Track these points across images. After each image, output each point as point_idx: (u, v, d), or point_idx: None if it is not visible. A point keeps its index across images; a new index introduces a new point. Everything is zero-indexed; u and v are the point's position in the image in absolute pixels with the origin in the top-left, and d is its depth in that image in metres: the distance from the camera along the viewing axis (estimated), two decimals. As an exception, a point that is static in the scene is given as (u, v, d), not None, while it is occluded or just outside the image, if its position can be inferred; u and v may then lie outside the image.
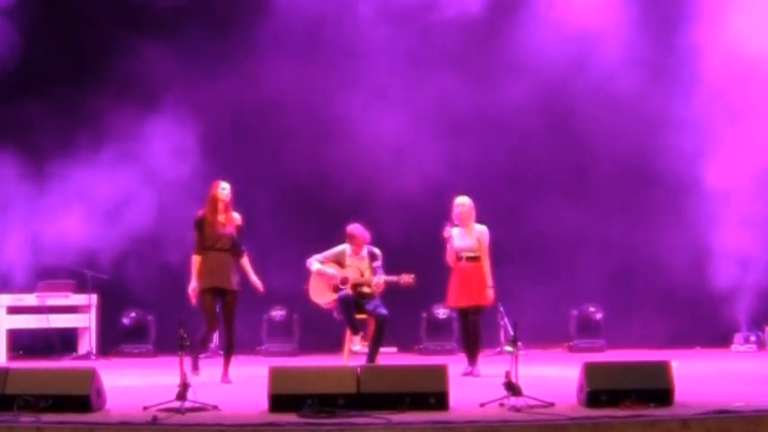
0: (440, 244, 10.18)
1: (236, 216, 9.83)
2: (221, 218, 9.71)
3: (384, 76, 13.13)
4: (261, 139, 13.36)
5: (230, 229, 9.73)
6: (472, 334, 10.07)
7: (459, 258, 10.05)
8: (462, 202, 10.16)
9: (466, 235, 10.08)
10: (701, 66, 12.71)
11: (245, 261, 9.87)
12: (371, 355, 9.89)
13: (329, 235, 10.74)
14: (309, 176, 13.27)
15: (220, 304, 9.78)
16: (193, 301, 9.70)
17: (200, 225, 9.72)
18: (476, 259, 10.04)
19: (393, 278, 9.99)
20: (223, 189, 9.73)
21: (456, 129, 13.26)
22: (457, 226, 10.08)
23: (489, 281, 10.06)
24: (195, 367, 9.61)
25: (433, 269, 10.61)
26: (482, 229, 10.15)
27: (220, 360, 12.21)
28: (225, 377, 9.63)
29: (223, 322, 9.80)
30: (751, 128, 12.76)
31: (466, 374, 9.82)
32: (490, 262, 10.09)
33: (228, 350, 9.81)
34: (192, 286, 9.65)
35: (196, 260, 9.70)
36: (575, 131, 13.19)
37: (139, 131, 12.85)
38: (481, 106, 13.11)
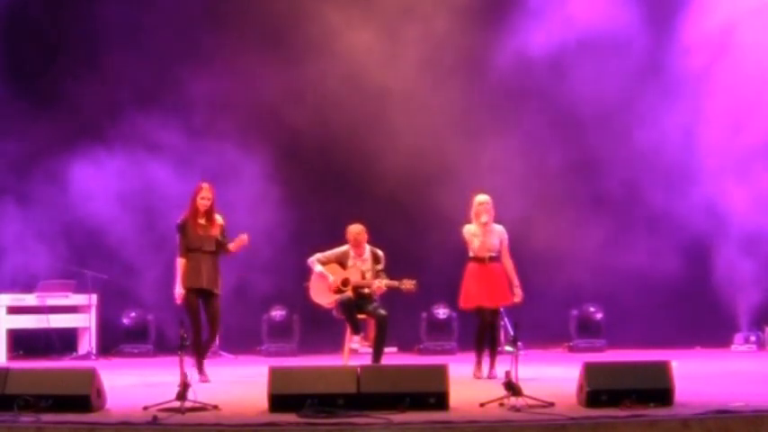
0: (441, 243, 10.15)
1: (218, 218, 9.91)
2: (202, 221, 9.80)
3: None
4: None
5: (213, 232, 9.81)
6: (494, 334, 9.90)
7: (481, 259, 9.86)
8: (487, 199, 9.88)
9: (489, 234, 9.86)
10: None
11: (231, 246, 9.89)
12: (376, 355, 9.83)
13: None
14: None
15: (203, 306, 9.82)
16: (178, 302, 9.79)
17: (182, 229, 9.81)
18: (497, 259, 9.88)
19: (394, 283, 9.90)
20: (202, 198, 9.79)
21: (463, 129, 13.26)
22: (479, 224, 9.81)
23: (516, 280, 9.91)
24: (201, 372, 9.63)
25: (434, 269, 10.61)
26: (502, 229, 9.95)
27: (221, 360, 12.25)
28: (201, 376, 9.64)
29: (207, 325, 9.82)
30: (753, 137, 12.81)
31: (480, 377, 9.71)
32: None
33: (204, 350, 9.89)
34: (179, 291, 9.74)
35: (181, 263, 9.78)
36: (579, 134, 13.18)
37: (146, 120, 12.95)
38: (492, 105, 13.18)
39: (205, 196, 9.79)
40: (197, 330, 9.73)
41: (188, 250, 9.76)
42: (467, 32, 13.19)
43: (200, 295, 9.76)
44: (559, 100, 13.12)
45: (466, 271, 9.92)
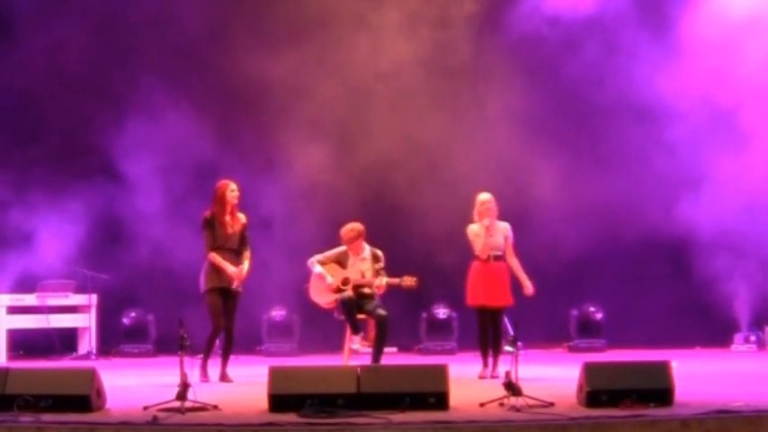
0: (440, 243, 10.14)
1: (242, 216, 9.88)
2: (228, 218, 9.75)
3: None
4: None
5: (237, 229, 9.78)
6: (497, 334, 9.86)
7: (484, 258, 9.84)
8: (489, 198, 9.83)
9: (493, 233, 9.79)
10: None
11: (247, 256, 9.84)
12: (376, 355, 9.81)
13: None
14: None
15: (223, 303, 9.78)
16: (236, 283, 9.65)
17: (210, 224, 9.73)
18: (501, 258, 9.86)
19: (395, 280, 9.87)
20: (232, 191, 9.76)
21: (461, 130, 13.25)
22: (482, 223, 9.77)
23: (523, 275, 9.88)
24: (204, 373, 9.65)
25: (433, 269, 10.59)
26: (506, 226, 9.91)
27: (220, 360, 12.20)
28: (224, 376, 9.68)
29: (225, 322, 9.80)
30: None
31: (484, 377, 9.70)
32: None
33: (227, 349, 9.87)
34: (231, 271, 9.61)
35: (214, 256, 9.66)
36: (581, 138, 13.18)
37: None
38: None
39: (234, 189, 9.77)
40: (216, 330, 9.71)
41: (214, 247, 9.73)
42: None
43: (222, 293, 9.73)
44: (564, 95, 13.14)
45: (471, 269, 9.91)
